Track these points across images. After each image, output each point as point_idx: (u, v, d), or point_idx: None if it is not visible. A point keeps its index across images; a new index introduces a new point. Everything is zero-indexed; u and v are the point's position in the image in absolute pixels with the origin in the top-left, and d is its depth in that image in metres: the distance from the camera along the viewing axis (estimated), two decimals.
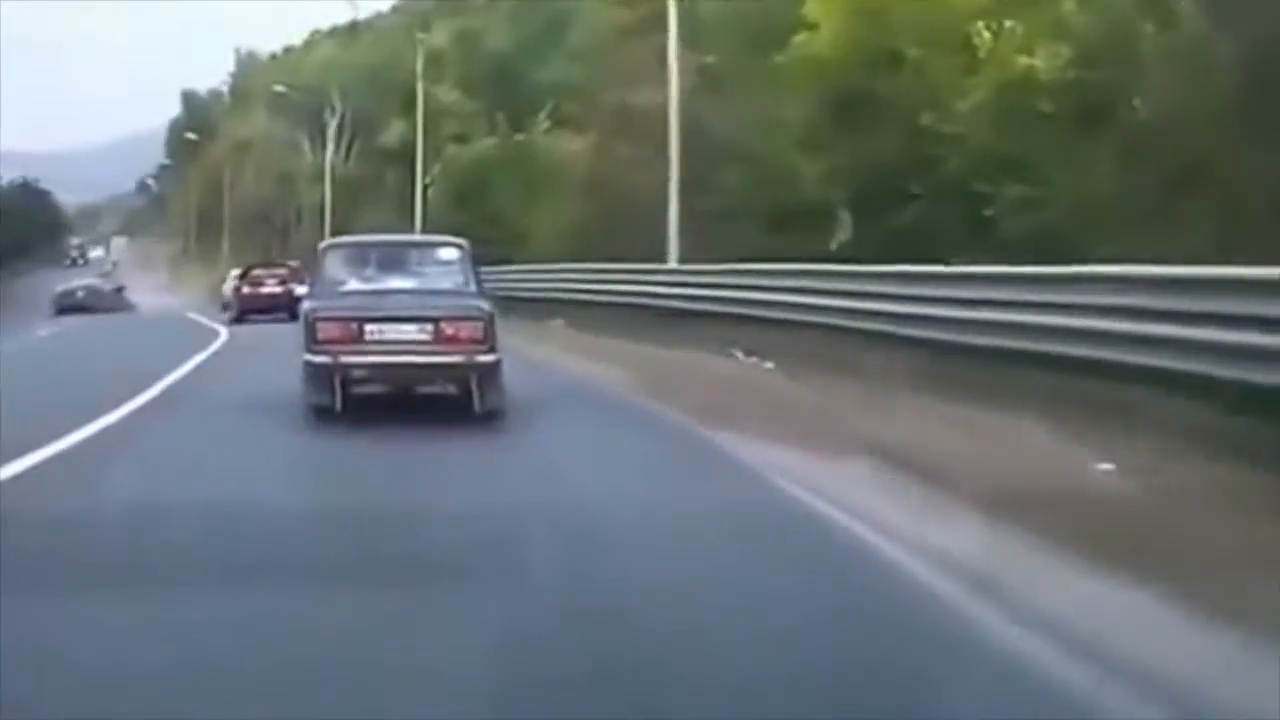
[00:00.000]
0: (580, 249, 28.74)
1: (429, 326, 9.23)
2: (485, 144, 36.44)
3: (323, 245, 11.45)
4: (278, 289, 29.50)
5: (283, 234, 66.11)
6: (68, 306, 45.17)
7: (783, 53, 20.10)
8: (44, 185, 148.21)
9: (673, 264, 19.52)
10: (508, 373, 9.38)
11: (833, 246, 17.14)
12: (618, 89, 29.50)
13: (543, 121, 35.18)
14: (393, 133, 53.35)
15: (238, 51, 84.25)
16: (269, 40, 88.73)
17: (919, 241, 14.97)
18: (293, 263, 32.88)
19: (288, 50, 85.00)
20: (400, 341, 9.23)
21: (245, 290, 31.70)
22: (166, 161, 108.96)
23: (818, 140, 18.30)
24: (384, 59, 59.37)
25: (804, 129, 18.43)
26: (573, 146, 31.65)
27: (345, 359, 9.20)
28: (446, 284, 9.87)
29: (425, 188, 37.13)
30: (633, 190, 29.38)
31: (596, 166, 30.58)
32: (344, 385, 9.22)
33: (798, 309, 13.64)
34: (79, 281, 54.53)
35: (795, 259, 15.76)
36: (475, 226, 35.37)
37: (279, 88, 61.45)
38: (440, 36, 51.41)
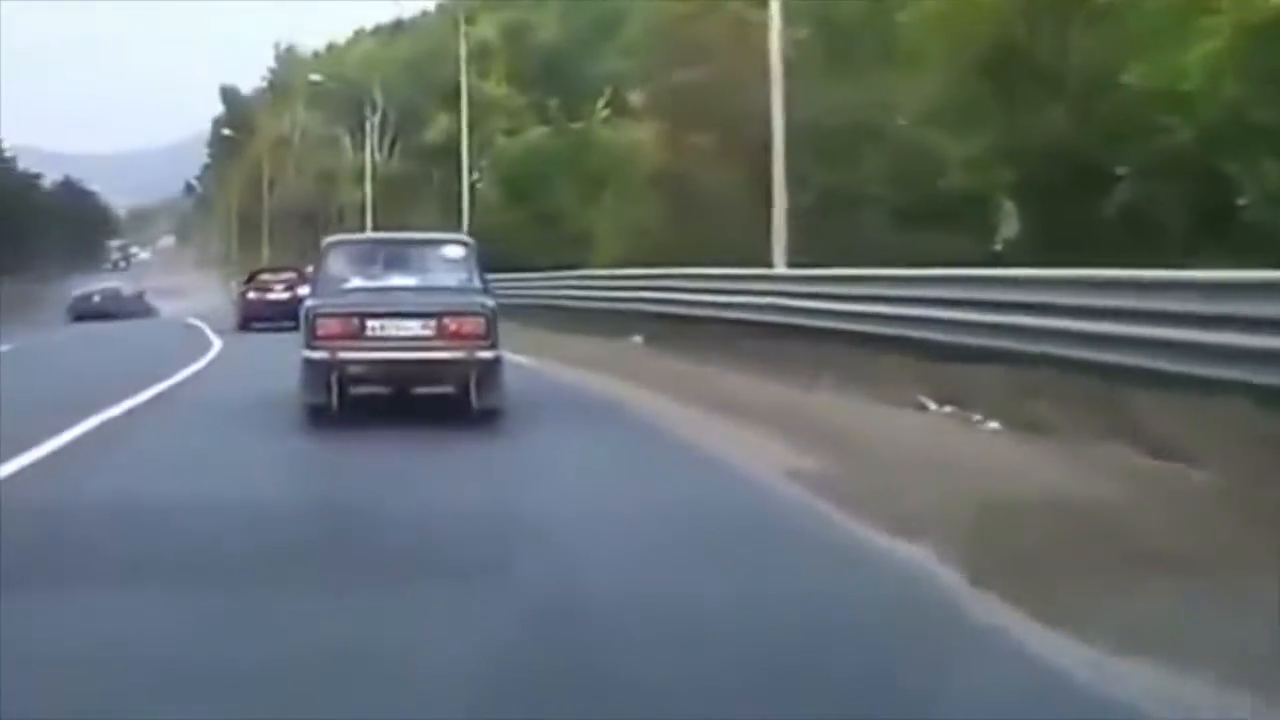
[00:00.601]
0: (650, 251, 25.07)
1: (431, 322, 9.19)
2: (539, 133, 32.62)
3: (325, 243, 11.03)
4: (284, 295, 26.24)
5: (326, 234, 62.97)
6: (83, 313, 42.51)
7: (906, 10, 16.33)
8: (96, 188, 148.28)
9: (780, 269, 15.64)
10: (557, 417, 8.77)
11: (997, 245, 13.20)
12: (690, 68, 25.73)
13: (601, 109, 31.24)
14: (437, 128, 50.47)
15: (277, 47, 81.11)
16: (316, 41, 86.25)
17: (1112, 236, 11.11)
18: (309, 269, 29.47)
19: (330, 48, 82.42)
20: (402, 337, 9.17)
21: (250, 296, 28.97)
22: (208, 161, 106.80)
23: (966, 114, 14.38)
24: (427, 52, 56.91)
25: (944, 102, 14.51)
26: (637, 135, 27.84)
27: (344, 355, 9.13)
28: (451, 281, 9.85)
29: (472, 185, 33.46)
30: (710, 184, 25.71)
31: (666, 158, 26.80)
32: (341, 385, 9.16)
33: (1008, 333, 9.66)
34: (97, 286, 52.17)
35: (942, 261, 12.01)
36: (530, 226, 32.01)
37: (315, 77, 58.38)
38: (487, 29, 48.46)
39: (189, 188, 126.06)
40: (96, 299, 45.87)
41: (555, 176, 30.06)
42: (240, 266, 71.73)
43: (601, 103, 31.15)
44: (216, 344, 21.54)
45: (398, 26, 72.66)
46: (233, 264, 77.30)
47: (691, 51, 25.80)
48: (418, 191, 54.01)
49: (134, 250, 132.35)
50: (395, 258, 10.29)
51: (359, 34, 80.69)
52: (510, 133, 36.50)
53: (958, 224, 13.87)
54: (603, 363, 13.24)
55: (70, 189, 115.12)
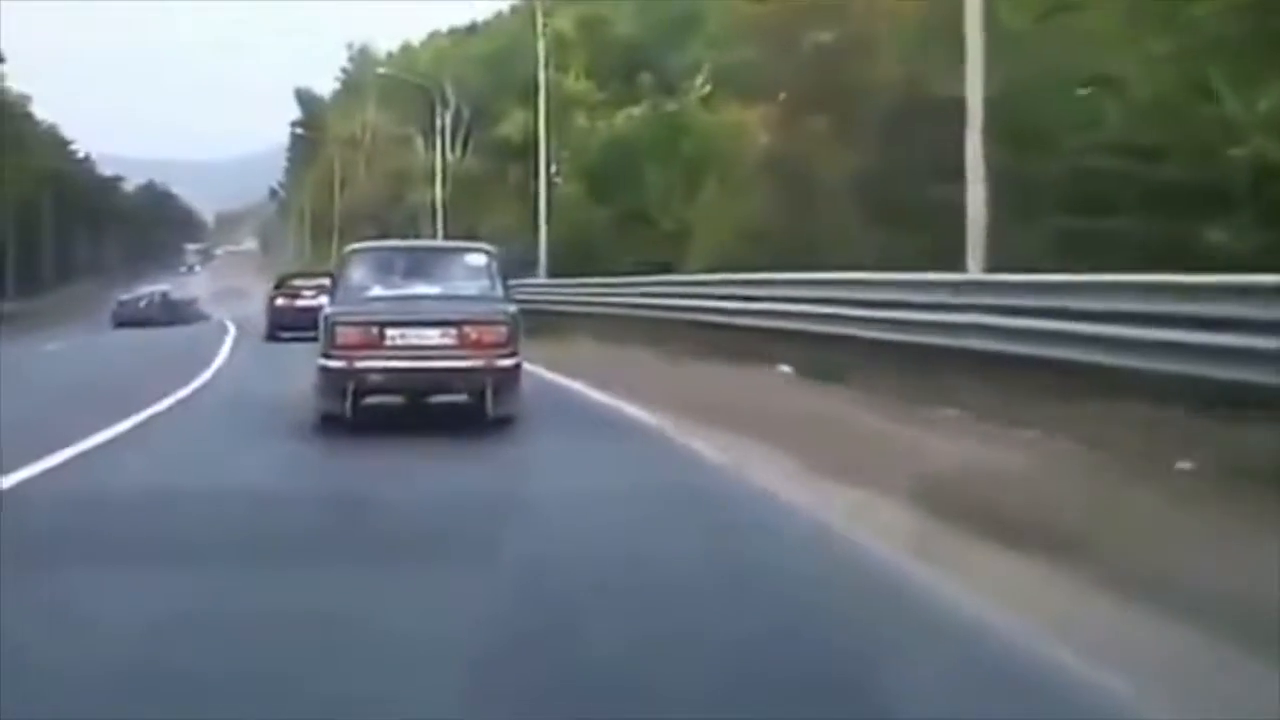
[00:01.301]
0: (758, 251, 20.88)
1: (452, 331, 9.13)
2: (630, 114, 28.36)
3: (345, 251, 11.25)
4: (315, 301, 23.58)
5: (402, 236, 60.15)
6: (126, 319, 39.76)
7: None
8: (182, 193, 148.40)
9: (975, 274, 11.20)
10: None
11: None
12: (811, 31, 21.51)
13: (700, 85, 26.72)
14: (513, 123, 47.05)
15: (350, 47, 78.23)
16: (390, 43, 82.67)
17: None
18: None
19: (404, 49, 79.62)
20: (421, 346, 9.08)
21: (279, 302, 26.86)
22: (286, 164, 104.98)
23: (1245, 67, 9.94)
24: (501, 48, 54.05)
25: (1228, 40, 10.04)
26: (745, 118, 23.59)
27: (361, 364, 9.07)
28: (472, 289, 9.81)
29: (549, 180, 29.41)
30: (833, 171, 21.44)
31: (780, 140, 22.59)
32: (356, 393, 9.06)
33: None
34: (145, 290, 49.59)
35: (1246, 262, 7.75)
36: (620, 225, 28.01)
37: (382, 70, 55.52)
38: (563, 22, 45.12)
39: (272, 192, 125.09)
40: (141, 304, 43.56)
41: (645, 167, 25.87)
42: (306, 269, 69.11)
43: (700, 79, 26.70)
44: (216, 361, 19.03)
45: (472, 29, 70.13)
46: (304, 266, 74.71)
47: (812, 13, 21.59)
48: (491, 191, 50.83)
49: (218, 252, 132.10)
50: (416, 266, 10.24)
51: (434, 35, 78.06)
52: (594, 119, 32.30)
53: (1249, 209, 9.44)
54: (760, 416, 8.82)
55: (151, 192, 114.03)
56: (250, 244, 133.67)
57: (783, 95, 20.79)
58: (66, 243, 64.67)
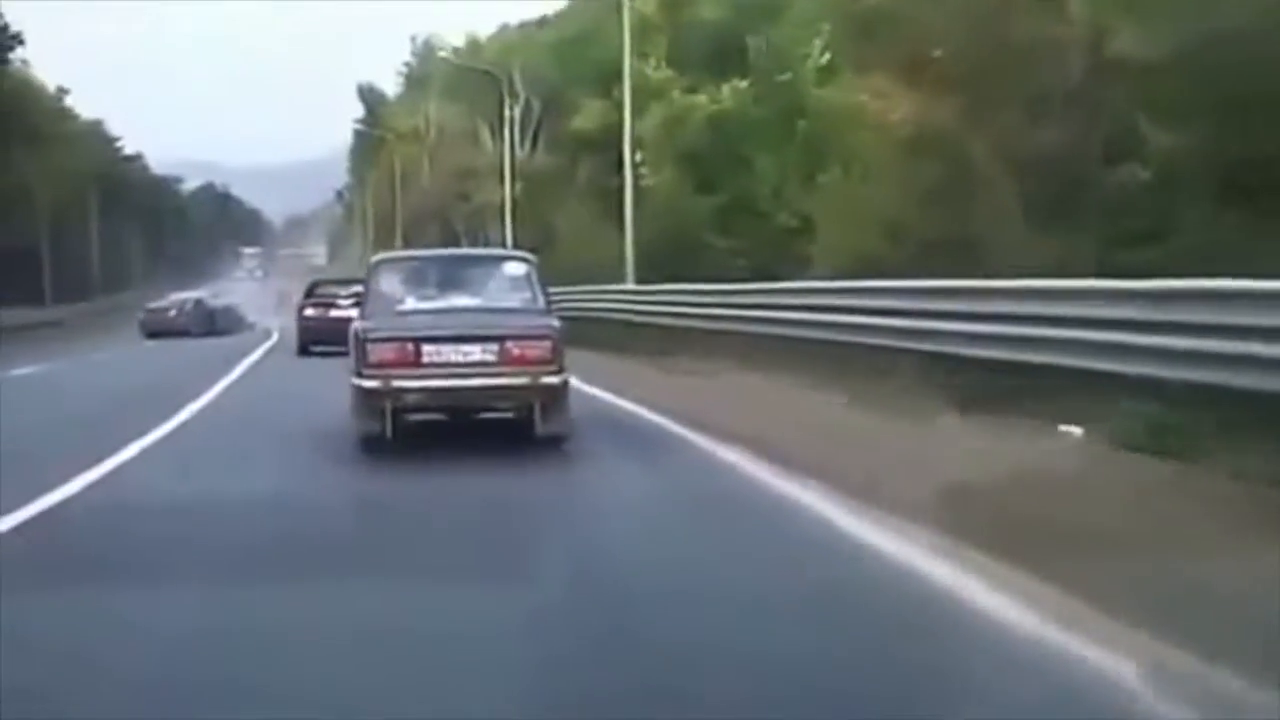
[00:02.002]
0: (905, 251, 16.85)
1: (494, 346, 8.65)
2: (735, 87, 24.15)
3: (374, 260, 10.51)
4: (349, 312, 21.62)
5: (470, 237, 56.91)
6: (157, 329, 36.17)
7: None
8: (255, 199, 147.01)
9: None
10: None
11: None
12: None
13: (819, 53, 22.23)
14: (589, 114, 43.51)
15: (414, 40, 74.51)
16: (456, 38, 78.57)
17: None
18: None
19: (470, 43, 76.12)
20: (462, 363, 8.62)
21: (309, 312, 23.65)
22: (349, 165, 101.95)
23: None
24: (574, 34, 50.48)
25: None
26: (876, 87, 19.39)
27: (399, 383, 8.60)
28: (513, 301, 9.39)
29: (635, 171, 25.43)
30: (989, 153, 17.33)
31: (922, 118, 18.49)
32: (395, 412, 8.60)
33: None
34: (177, 296, 45.08)
35: None
36: (724, 218, 23.93)
37: (444, 53, 52.28)
38: (645, 4, 41.38)
39: (339, 195, 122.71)
40: (171, 313, 39.25)
41: (753, 151, 21.70)
42: (359, 270, 65.80)
43: (818, 46, 22.27)
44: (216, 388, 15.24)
45: (542, 22, 66.53)
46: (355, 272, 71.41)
47: None
48: (562, 188, 47.22)
49: (282, 254, 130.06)
50: (451, 276, 9.79)
51: (502, 29, 74.47)
52: (691, 99, 28.13)
53: None
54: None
55: (210, 193, 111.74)
56: (318, 248, 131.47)
57: (938, 52, 16.61)
58: (116, 246, 61.85)
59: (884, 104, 18.97)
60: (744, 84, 23.83)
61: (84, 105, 60.84)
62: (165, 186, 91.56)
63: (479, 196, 55.37)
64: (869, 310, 12.78)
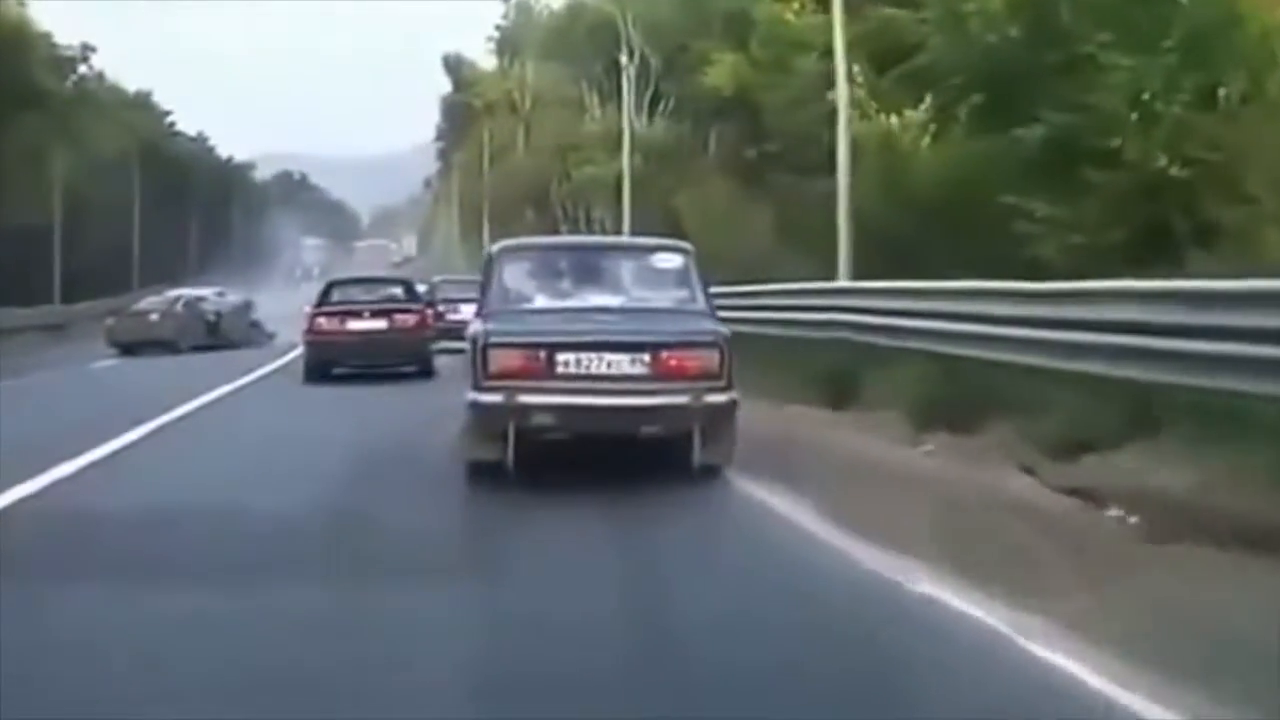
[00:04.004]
0: None
1: (645, 356, 7.35)
2: None
3: (495, 249, 8.70)
4: (375, 324, 17.62)
5: (572, 221, 49.11)
6: (129, 341, 26.98)
7: None
8: (342, 191, 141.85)
9: None
10: None
11: None
12: None
13: None
14: (720, 70, 35.95)
15: (506, 1, 65.98)
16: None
17: None
18: (439, 278, 24.73)
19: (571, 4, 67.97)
20: (605, 376, 7.31)
21: (321, 323, 17.50)
22: (436, 149, 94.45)
23: None
24: None
25: None
26: None
27: (526, 399, 7.31)
28: (666, 300, 8.05)
29: (851, 86, 16.71)
30: None
31: None
32: (519, 435, 7.24)
33: None
34: (165, 295, 31.63)
35: None
36: (1039, 173, 14.88)
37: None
38: None
39: (427, 183, 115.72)
40: (153, 317, 28.31)
41: (1095, 54, 12.79)
42: (444, 264, 58.00)
43: None
44: None
45: None
46: (454, 257, 64.05)
47: None
48: (690, 162, 39.03)
49: (359, 245, 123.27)
50: (589, 269, 8.25)
51: None
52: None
53: None
54: None
55: (285, 183, 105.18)
56: (407, 239, 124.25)
57: None
58: (167, 235, 54.73)
59: None
60: None
61: (182, 113, 53.75)
62: (236, 173, 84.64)
63: (580, 174, 47.35)
64: None
